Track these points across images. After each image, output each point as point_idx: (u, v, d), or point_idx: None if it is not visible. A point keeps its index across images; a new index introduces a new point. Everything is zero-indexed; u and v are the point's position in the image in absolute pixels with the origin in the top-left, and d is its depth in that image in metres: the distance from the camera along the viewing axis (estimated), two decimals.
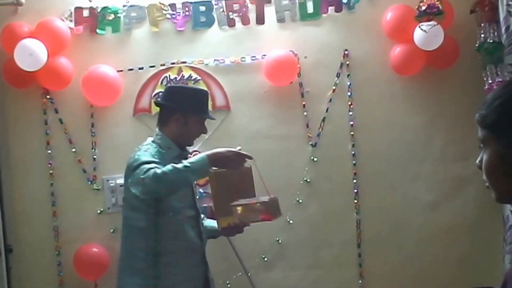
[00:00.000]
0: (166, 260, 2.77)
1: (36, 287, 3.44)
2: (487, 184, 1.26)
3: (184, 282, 2.80)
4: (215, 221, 2.93)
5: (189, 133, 2.86)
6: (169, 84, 3.31)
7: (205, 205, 3.35)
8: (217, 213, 2.90)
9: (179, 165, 2.59)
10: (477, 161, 1.28)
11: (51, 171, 3.42)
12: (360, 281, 3.46)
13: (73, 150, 3.42)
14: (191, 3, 3.41)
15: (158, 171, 2.54)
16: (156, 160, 2.66)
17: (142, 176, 2.56)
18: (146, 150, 2.74)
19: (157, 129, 2.87)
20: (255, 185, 2.86)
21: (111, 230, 3.42)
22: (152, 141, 2.83)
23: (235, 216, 2.71)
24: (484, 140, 1.24)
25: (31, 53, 3.19)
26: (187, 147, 2.95)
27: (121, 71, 3.40)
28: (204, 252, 2.90)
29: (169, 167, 2.57)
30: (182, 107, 2.81)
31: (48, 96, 3.41)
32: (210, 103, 3.40)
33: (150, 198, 2.68)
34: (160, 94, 3.04)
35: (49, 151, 3.43)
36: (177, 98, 2.84)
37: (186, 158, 2.78)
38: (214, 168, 2.70)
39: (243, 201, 2.70)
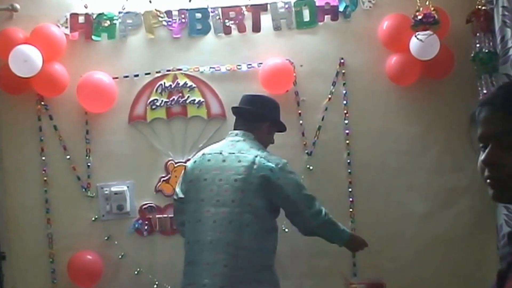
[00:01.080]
0: None
1: None
2: (489, 181, 1.23)
3: None
4: None
5: (268, 142, 2.96)
6: (247, 93, 3.12)
7: None
8: None
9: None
10: (482, 159, 1.24)
11: (45, 178, 3.41)
12: None
13: (68, 157, 3.41)
14: (187, 10, 3.40)
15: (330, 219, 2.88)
16: None
17: (324, 218, 2.85)
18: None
19: (252, 136, 2.88)
20: None
21: (105, 238, 3.41)
22: (259, 149, 2.85)
23: None
24: (494, 132, 1.21)
25: (25, 59, 3.18)
26: None
27: (117, 78, 3.39)
28: None
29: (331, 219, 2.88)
30: (271, 117, 2.94)
31: (42, 103, 3.40)
32: (205, 111, 3.43)
33: (305, 231, 2.94)
34: (243, 101, 3.01)
35: (43, 158, 3.41)
36: (267, 107, 2.94)
37: None
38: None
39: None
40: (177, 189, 2.97)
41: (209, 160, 2.84)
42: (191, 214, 2.81)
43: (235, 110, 3.00)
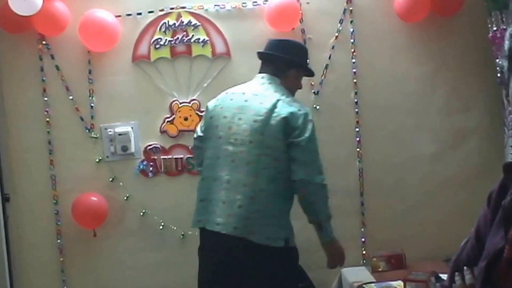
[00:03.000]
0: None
1: (34, 236, 3.39)
2: None
3: None
4: None
5: (296, 88, 2.83)
6: (273, 38, 3.02)
7: None
8: None
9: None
10: None
11: (47, 119, 3.35)
12: (362, 230, 3.43)
13: (70, 97, 3.35)
14: None
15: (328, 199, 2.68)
16: None
17: (324, 191, 2.65)
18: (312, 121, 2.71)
19: (278, 80, 2.75)
20: None
21: (110, 179, 3.37)
22: (283, 94, 2.72)
23: None
24: None
25: None
26: None
27: (119, 16, 3.31)
28: None
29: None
30: (298, 63, 2.82)
31: (44, 42, 3.32)
32: (210, 50, 3.36)
33: (300, 184, 2.63)
34: (269, 45, 2.84)
35: (46, 99, 3.35)
36: (294, 52, 2.81)
37: None
38: None
39: None
40: (198, 128, 2.90)
41: (231, 100, 2.74)
42: (211, 150, 2.73)
43: (261, 55, 2.85)
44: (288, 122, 2.60)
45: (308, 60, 2.90)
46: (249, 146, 2.62)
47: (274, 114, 2.61)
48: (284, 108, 2.62)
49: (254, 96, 2.69)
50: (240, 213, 2.58)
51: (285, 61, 2.77)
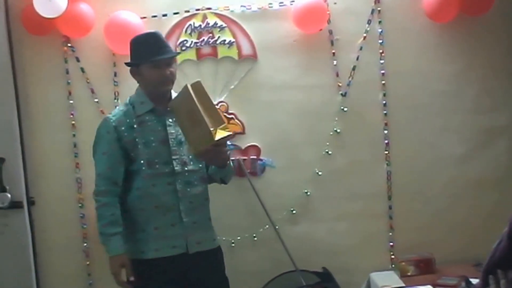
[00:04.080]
0: (135, 218, 2.73)
1: (60, 239, 3.38)
2: None
3: (158, 240, 2.70)
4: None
5: (149, 83, 2.72)
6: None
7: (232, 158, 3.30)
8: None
9: (106, 227, 2.68)
10: None
11: (73, 122, 3.33)
12: (390, 234, 3.39)
13: (96, 100, 3.33)
14: None
15: (98, 208, 2.71)
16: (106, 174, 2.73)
17: (95, 198, 2.75)
18: (101, 129, 2.78)
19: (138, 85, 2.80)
20: None
21: None
22: (130, 97, 2.79)
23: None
24: None
25: None
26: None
27: (145, 17, 3.28)
28: (181, 210, 2.72)
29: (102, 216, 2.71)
30: (133, 60, 2.75)
31: (69, 44, 3.30)
32: (236, 52, 3.31)
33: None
34: None
35: (71, 102, 3.33)
36: (130, 52, 2.76)
37: (161, 113, 2.73)
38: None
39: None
40: None
41: None
42: None
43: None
44: None
45: (148, 47, 2.69)
46: None
47: None
48: None
49: None
50: None
51: (128, 65, 2.78)
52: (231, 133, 2.57)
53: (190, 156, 2.74)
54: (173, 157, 2.72)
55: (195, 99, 2.49)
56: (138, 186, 2.71)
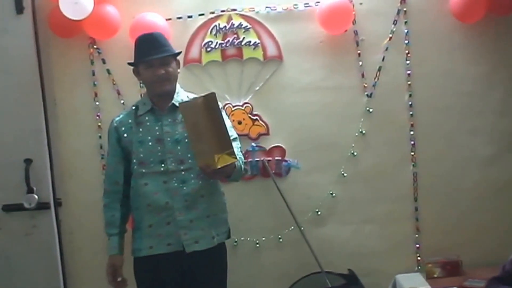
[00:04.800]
0: (133, 216, 2.82)
1: (86, 241, 3.40)
2: None
3: (152, 238, 2.72)
4: None
5: (146, 83, 2.80)
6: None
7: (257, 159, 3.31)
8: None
9: (106, 227, 2.83)
10: None
11: (99, 124, 3.35)
12: (416, 236, 3.36)
13: (122, 101, 3.34)
14: None
15: (103, 207, 2.84)
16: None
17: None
18: (107, 131, 2.88)
19: None
20: None
21: None
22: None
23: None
24: None
25: (76, 1, 3.07)
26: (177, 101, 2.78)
27: (170, 19, 3.29)
28: (175, 209, 2.71)
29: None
30: (134, 61, 2.79)
31: (95, 46, 3.32)
32: (261, 53, 3.30)
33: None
34: None
35: (97, 103, 3.35)
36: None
37: (159, 113, 2.75)
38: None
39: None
40: None
41: None
42: None
43: None
44: None
45: (142, 49, 2.72)
46: None
47: None
48: None
49: None
50: None
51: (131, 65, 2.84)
52: (235, 160, 2.56)
53: (189, 155, 2.72)
54: (168, 155, 2.72)
55: (204, 113, 2.51)
56: (132, 185, 2.78)
